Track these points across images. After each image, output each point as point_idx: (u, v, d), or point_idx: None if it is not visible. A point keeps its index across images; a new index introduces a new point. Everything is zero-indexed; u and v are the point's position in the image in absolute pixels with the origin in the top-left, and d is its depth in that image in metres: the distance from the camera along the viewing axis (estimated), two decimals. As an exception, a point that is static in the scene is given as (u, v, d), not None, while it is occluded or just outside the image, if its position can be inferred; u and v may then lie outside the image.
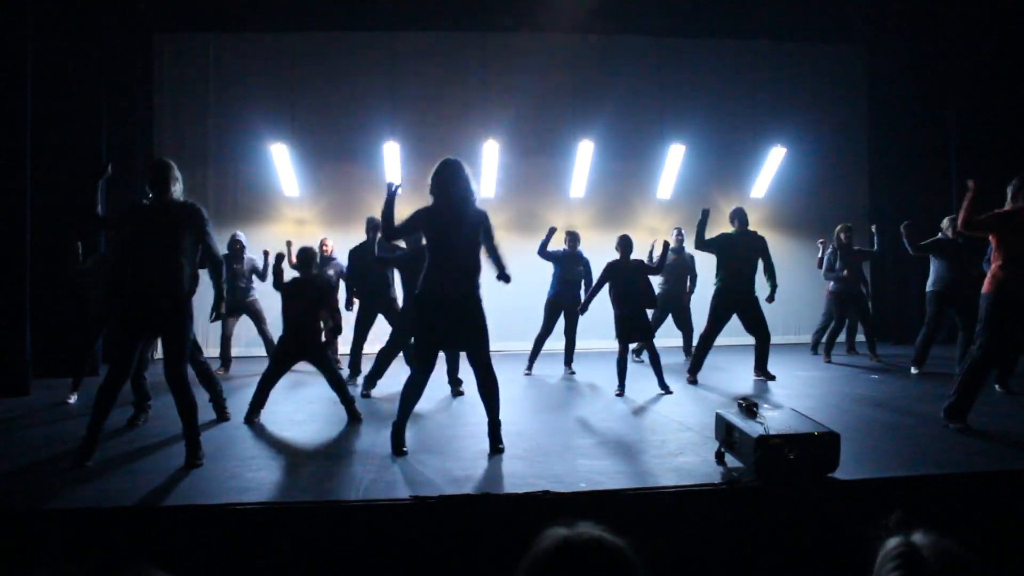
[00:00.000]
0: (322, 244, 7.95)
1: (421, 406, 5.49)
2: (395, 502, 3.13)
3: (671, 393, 5.90)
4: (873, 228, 8.20)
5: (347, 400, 5.10)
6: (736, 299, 6.57)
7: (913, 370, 6.99)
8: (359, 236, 6.92)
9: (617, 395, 5.90)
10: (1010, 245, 4.42)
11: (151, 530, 3.03)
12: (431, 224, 4.13)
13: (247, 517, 3.09)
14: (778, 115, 9.75)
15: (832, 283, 8.04)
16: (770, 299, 6.72)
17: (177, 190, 4.06)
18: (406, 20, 9.22)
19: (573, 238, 7.38)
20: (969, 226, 4.50)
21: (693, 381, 6.57)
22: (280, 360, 5.26)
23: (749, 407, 3.58)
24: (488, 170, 9.13)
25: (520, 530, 1.11)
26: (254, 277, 7.65)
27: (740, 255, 6.63)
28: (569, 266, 7.28)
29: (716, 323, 6.61)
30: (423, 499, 3.13)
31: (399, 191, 4.27)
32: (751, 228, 6.89)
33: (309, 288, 5.28)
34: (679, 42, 9.93)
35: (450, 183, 4.12)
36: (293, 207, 9.41)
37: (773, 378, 6.64)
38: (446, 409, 5.48)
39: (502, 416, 4.16)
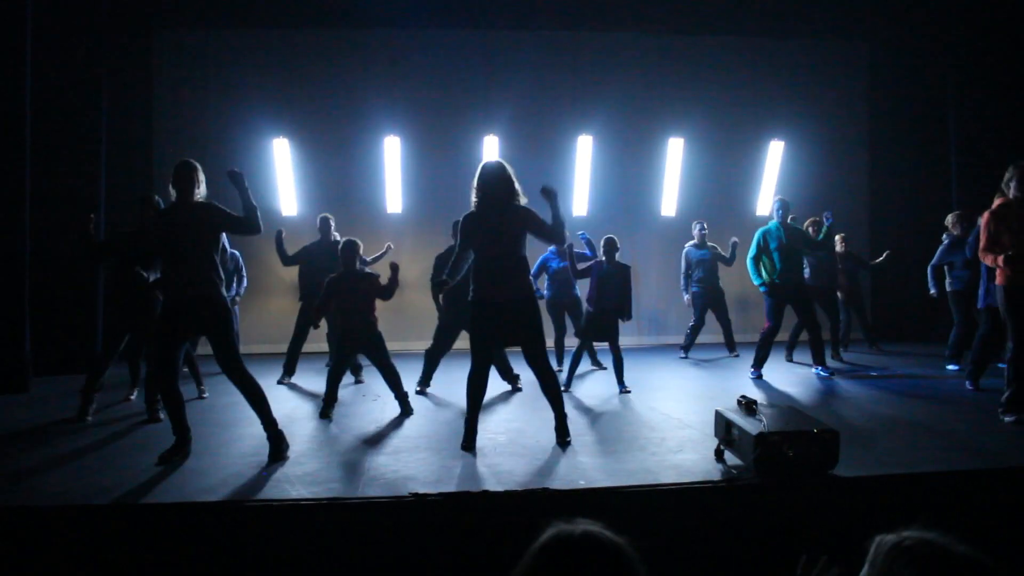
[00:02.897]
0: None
1: (423, 403, 5.53)
2: (395, 499, 3.13)
3: (630, 392, 5.86)
4: (824, 216, 6.91)
5: (401, 395, 5.15)
6: (791, 290, 6.55)
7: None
8: (356, 230, 6.89)
9: (563, 391, 5.75)
10: (1010, 236, 4.47)
11: (151, 526, 3.03)
12: (476, 228, 4.15)
13: (248, 514, 3.09)
14: (778, 112, 9.72)
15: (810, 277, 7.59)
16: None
17: (201, 192, 4.08)
18: (407, 16, 9.19)
19: None
20: (985, 253, 4.62)
21: (759, 377, 6.56)
22: (342, 356, 5.31)
23: (748, 404, 3.58)
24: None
25: (520, 528, 1.11)
26: (234, 278, 7.13)
27: (788, 247, 6.58)
28: (561, 265, 7.24)
29: (777, 317, 6.58)
30: (423, 496, 3.14)
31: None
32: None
33: (359, 282, 5.28)
34: (680, 39, 9.89)
35: (490, 185, 4.14)
36: (293, 203, 9.36)
37: (832, 372, 6.62)
38: (447, 406, 5.48)
39: (504, 413, 4.17)
